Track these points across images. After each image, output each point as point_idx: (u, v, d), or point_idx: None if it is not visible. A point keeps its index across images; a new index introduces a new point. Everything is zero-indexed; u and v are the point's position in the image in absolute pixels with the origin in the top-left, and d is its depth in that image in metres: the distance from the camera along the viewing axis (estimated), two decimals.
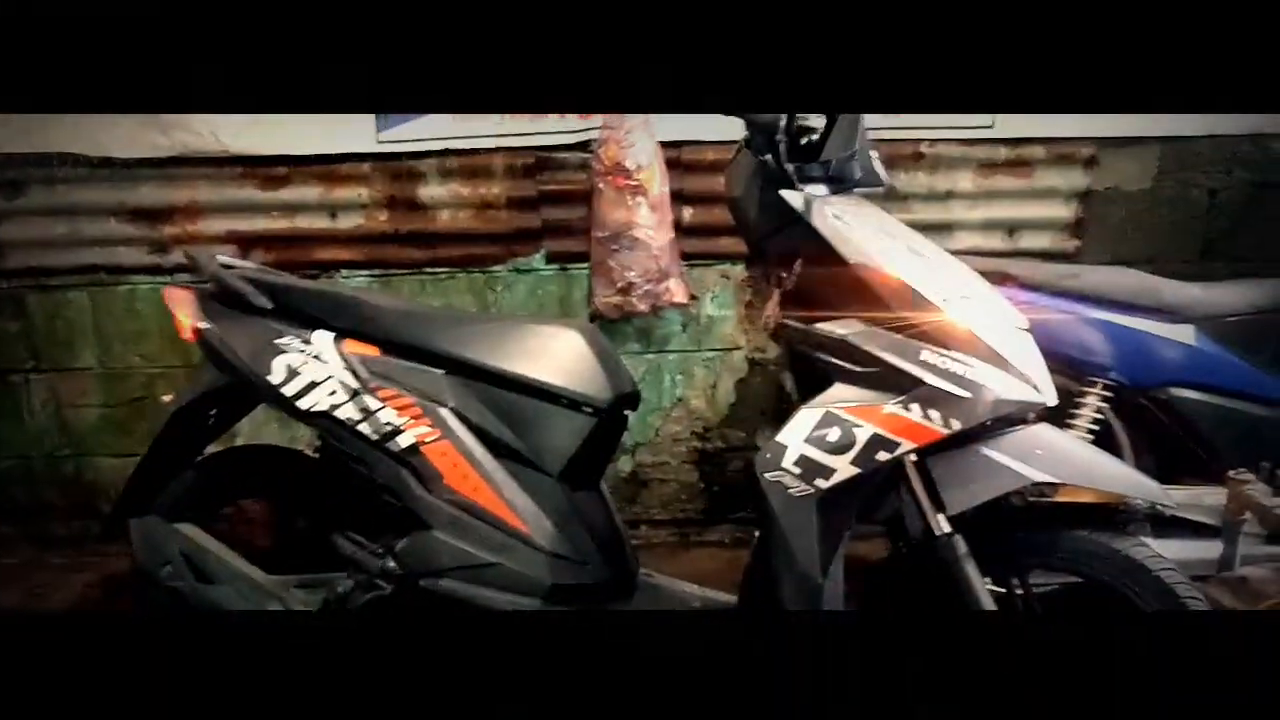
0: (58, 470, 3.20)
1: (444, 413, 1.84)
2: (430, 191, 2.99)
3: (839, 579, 1.66)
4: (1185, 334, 2.36)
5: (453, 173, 2.97)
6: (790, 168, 1.64)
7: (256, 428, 2.88)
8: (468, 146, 2.92)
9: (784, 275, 1.71)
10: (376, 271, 3.06)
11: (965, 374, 1.54)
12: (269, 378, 1.84)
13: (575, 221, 2.96)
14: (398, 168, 2.96)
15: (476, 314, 2.89)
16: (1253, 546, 2.08)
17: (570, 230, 2.98)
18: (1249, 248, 2.94)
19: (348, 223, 3.02)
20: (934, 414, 1.53)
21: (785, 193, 1.64)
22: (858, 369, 1.58)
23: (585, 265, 2.97)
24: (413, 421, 1.82)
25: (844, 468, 1.56)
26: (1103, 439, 2.32)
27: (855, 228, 1.62)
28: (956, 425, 1.53)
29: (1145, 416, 2.41)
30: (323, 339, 1.86)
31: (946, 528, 1.59)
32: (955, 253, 1.76)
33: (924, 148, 2.93)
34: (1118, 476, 1.63)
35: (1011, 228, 3.03)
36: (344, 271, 3.06)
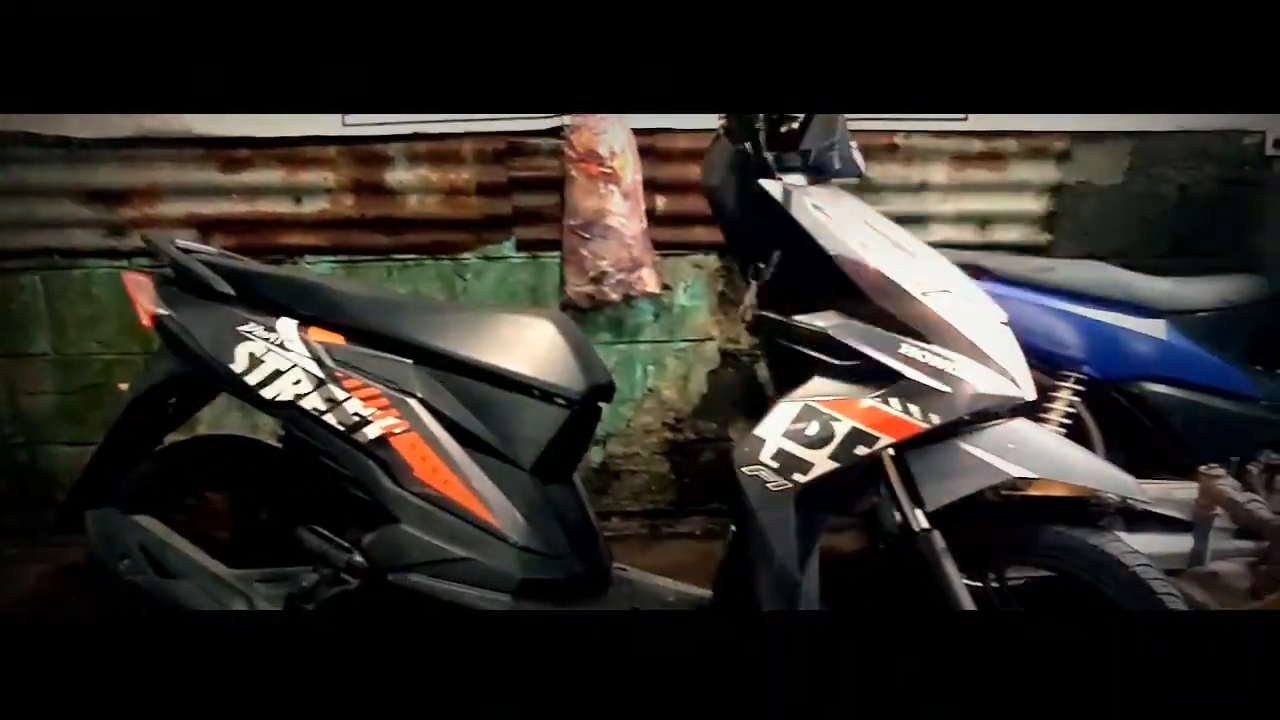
0: (11, 458, 3.11)
1: (412, 403, 1.80)
2: (398, 176, 2.93)
3: (815, 573, 1.65)
4: (1157, 328, 2.37)
5: (421, 157, 2.91)
6: (769, 156, 1.62)
7: (218, 416, 2.82)
8: (437, 131, 2.86)
9: (761, 266, 1.68)
10: (341, 258, 3.00)
11: (945, 368, 1.52)
12: (231, 366, 1.78)
13: (547, 209, 2.91)
14: (364, 151, 2.90)
15: (446, 302, 2.85)
16: (1223, 541, 2.09)
17: (541, 217, 2.94)
18: (1219, 243, 2.96)
19: (312, 207, 2.96)
20: (913, 408, 1.51)
21: (764, 182, 1.61)
22: (836, 362, 1.56)
23: (556, 253, 2.94)
24: (380, 412, 1.78)
25: (822, 462, 1.54)
26: (1074, 433, 2.32)
27: (835, 218, 1.59)
28: (936, 420, 1.52)
29: (1117, 410, 2.42)
30: (287, 326, 1.81)
31: (925, 523, 1.57)
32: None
33: (898, 139, 2.92)
34: (1094, 472, 1.63)
35: (984, 220, 3.02)
36: (308, 257, 2.99)
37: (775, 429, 1.56)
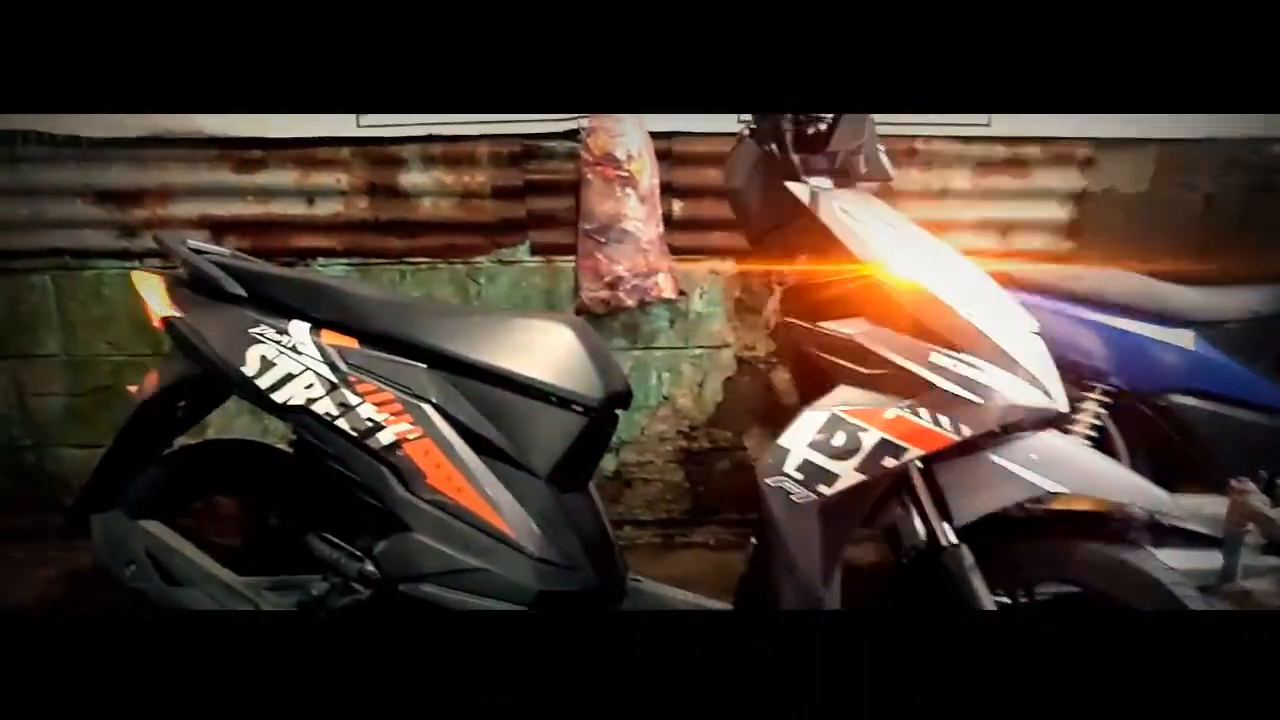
0: (20, 461, 3.09)
1: (427, 409, 1.75)
2: (412, 179, 2.91)
3: (837, 587, 1.60)
4: (1185, 339, 2.32)
5: (436, 160, 2.89)
6: (796, 159, 1.57)
7: (228, 420, 2.79)
8: (452, 133, 2.83)
9: (786, 271, 1.64)
10: (354, 260, 2.98)
11: (977, 378, 1.47)
12: (242, 369, 1.75)
13: (562, 212, 2.89)
14: (379, 153, 2.88)
15: (462, 306, 2.82)
16: (1255, 558, 2.03)
17: (556, 221, 2.91)
18: (1245, 252, 2.90)
19: (326, 209, 2.94)
20: (944, 419, 1.47)
21: (791, 185, 1.56)
22: (864, 371, 1.52)
23: (571, 258, 2.91)
24: (394, 418, 1.74)
25: (849, 474, 1.49)
26: (1100, 446, 2.27)
27: (864, 223, 1.55)
28: (967, 431, 1.47)
29: (1143, 423, 2.36)
30: (299, 329, 1.77)
31: (953, 538, 1.53)
32: None
33: (919, 144, 2.88)
34: (1128, 486, 1.57)
35: (1006, 228, 2.98)
36: (320, 260, 2.97)
37: (800, 439, 1.51)
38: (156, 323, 1.84)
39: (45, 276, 2.95)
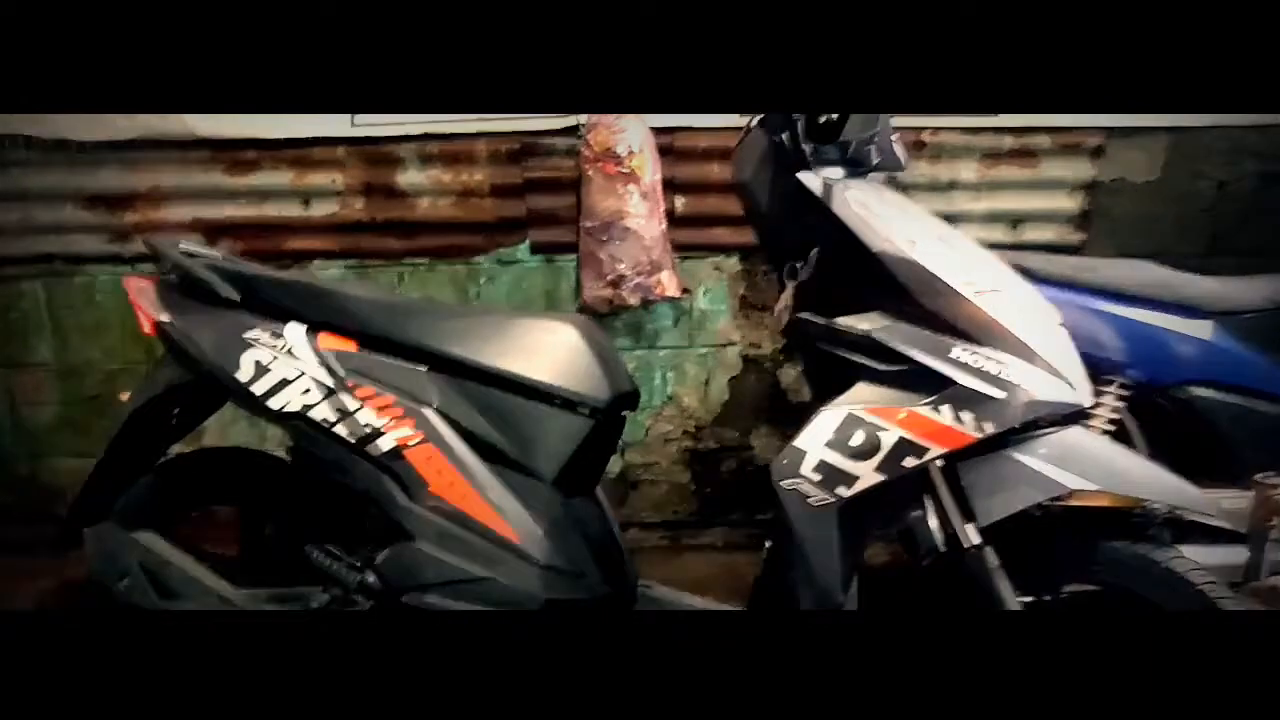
0: (12, 471, 3.04)
1: (428, 413, 1.70)
2: (409, 178, 2.85)
3: (854, 593, 1.55)
4: (1203, 329, 2.26)
5: (433, 158, 2.84)
6: (807, 149, 1.52)
7: (224, 427, 2.74)
8: (449, 131, 2.78)
9: (798, 265, 1.59)
10: (351, 262, 2.93)
11: (1000, 373, 1.42)
12: (236, 374, 1.70)
13: (562, 210, 2.83)
14: (375, 152, 2.82)
15: (463, 306, 2.76)
16: None
17: (557, 219, 2.86)
18: (1258, 241, 2.85)
19: (321, 210, 2.89)
20: (966, 416, 1.41)
21: (803, 175, 1.51)
22: (882, 367, 1.47)
23: (572, 256, 2.85)
24: (394, 423, 1.68)
25: (868, 475, 1.44)
26: (1118, 440, 2.21)
27: (879, 214, 1.49)
28: (989, 429, 1.42)
29: (1161, 417, 2.31)
30: (295, 332, 1.72)
31: (977, 539, 1.47)
32: None
33: (925, 135, 2.82)
34: (1158, 482, 1.52)
35: (1015, 220, 2.92)
36: (317, 262, 2.92)
37: (817, 440, 1.46)
38: (148, 328, 1.79)
39: (36, 283, 2.90)
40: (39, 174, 2.79)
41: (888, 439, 1.43)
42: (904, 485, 1.49)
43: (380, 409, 1.69)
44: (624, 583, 1.86)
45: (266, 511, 1.98)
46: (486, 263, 2.92)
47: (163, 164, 2.80)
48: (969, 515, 1.47)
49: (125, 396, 1.90)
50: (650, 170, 2.69)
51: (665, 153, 2.76)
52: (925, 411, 1.42)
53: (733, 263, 2.93)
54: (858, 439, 1.44)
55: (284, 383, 1.69)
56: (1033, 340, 1.45)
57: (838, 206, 1.48)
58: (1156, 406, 2.30)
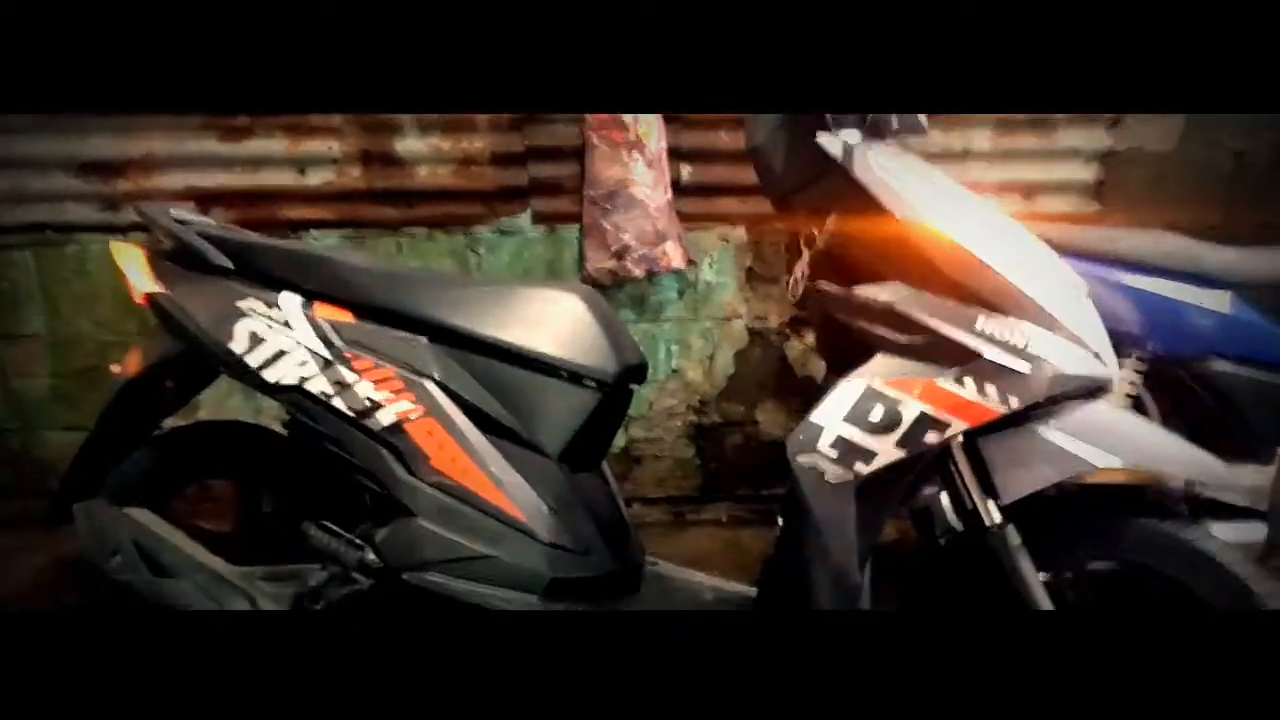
0: (4, 445, 2.99)
1: (429, 386, 1.64)
2: (407, 145, 2.79)
3: (868, 575, 1.50)
4: (1221, 301, 2.20)
5: (432, 125, 2.77)
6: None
7: (219, 400, 2.68)
8: None
9: (815, 233, 1.53)
10: (348, 231, 2.87)
11: (1025, 345, 1.36)
12: (230, 345, 1.64)
13: (565, 179, 2.78)
14: (372, 120, 2.75)
15: (464, 276, 2.70)
16: None
17: (560, 188, 2.80)
18: (1276, 211, 2.79)
19: (317, 179, 2.82)
20: (990, 390, 1.35)
21: (822, 138, 1.44)
22: (903, 339, 1.40)
23: (575, 226, 2.80)
24: (394, 396, 1.63)
25: (888, 450, 1.38)
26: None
27: (901, 179, 1.43)
28: (1014, 403, 1.36)
29: (1179, 390, 2.26)
30: (290, 302, 1.66)
31: (998, 517, 1.42)
32: None
33: None
34: (1185, 458, 1.45)
35: (1030, 189, 2.86)
36: (313, 232, 2.86)
37: (834, 414, 1.40)
38: (138, 298, 1.73)
39: (26, 252, 2.84)
40: (30, 142, 2.71)
41: (908, 413, 1.37)
42: (922, 461, 1.44)
43: (379, 381, 1.63)
44: (630, 560, 1.81)
45: (263, 487, 1.93)
46: (487, 233, 2.86)
47: (155, 130, 2.73)
48: (990, 492, 1.42)
49: (117, 369, 1.84)
50: (655, 138, 2.63)
51: (670, 120, 2.70)
52: (948, 385, 1.36)
53: (739, 234, 2.86)
54: (877, 413, 1.38)
55: (279, 354, 1.63)
56: (1059, 312, 1.39)
57: (859, 171, 1.42)
58: (1174, 380, 2.25)
